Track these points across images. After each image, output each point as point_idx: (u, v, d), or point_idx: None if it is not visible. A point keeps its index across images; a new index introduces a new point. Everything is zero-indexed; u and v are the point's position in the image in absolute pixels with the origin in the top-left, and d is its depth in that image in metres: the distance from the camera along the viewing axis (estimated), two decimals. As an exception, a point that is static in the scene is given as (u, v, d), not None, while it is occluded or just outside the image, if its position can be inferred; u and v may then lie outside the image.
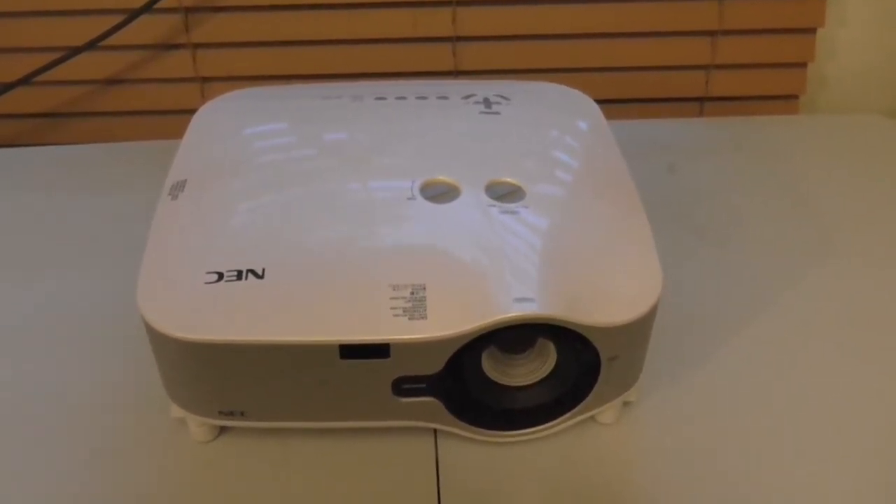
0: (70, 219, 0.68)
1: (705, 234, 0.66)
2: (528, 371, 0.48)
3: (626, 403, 0.51)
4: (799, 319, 0.58)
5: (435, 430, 0.50)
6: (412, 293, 0.43)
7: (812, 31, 0.81)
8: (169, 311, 0.44)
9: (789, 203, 0.70)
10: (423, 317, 0.43)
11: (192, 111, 0.59)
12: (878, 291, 0.61)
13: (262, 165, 0.52)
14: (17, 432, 0.51)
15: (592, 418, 0.50)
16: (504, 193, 0.49)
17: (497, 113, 0.57)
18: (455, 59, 0.81)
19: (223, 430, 0.51)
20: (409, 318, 0.42)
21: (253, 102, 0.60)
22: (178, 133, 0.57)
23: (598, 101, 0.61)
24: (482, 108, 0.58)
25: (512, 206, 0.48)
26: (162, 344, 0.44)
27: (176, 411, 0.49)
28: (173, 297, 0.44)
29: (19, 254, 0.65)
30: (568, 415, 0.49)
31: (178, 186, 0.50)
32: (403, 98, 0.59)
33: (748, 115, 0.83)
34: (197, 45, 0.79)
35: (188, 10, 0.78)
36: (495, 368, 0.47)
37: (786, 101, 0.85)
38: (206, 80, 0.81)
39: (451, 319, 0.43)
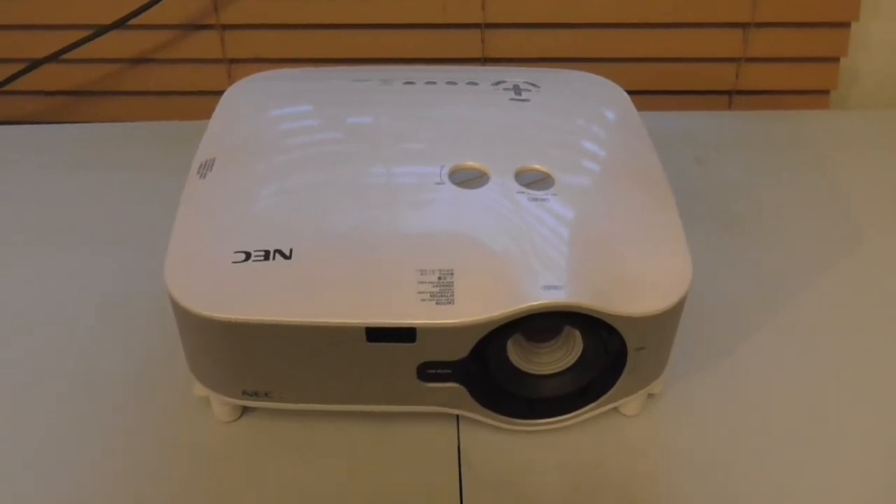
0: (96, 197, 0.68)
1: (732, 227, 0.65)
2: (554, 360, 0.47)
3: (650, 395, 0.50)
4: (826, 313, 0.58)
5: (458, 417, 0.50)
6: (440, 278, 0.43)
7: (846, 25, 0.79)
8: (196, 289, 0.44)
9: (817, 197, 0.69)
10: (451, 302, 0.42)
11: (219, 93, 0.59)
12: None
13: (292, 147, 0.52)
14: (40, 408, 0.51)
15: (616, 409, 0.50)
16: (533, 181, 0.49)
17: (527, 100, 0.57)
18: (484, 46, 0.80)
19: (246, 410, 0.51)
20: (437, 303, 0.42)
21: (283, 83, 0.60)
22: (204, 114, 0.57)
23: (627, 92, 0.60)
24: (512, 94, 0.57)
25: (541, 193, 0.48)
26: (188, 322, 0.44)
27: (200, 390, 0.49)
28: (201, 275, 0.44)
29: (45, 231, 0.65)
30: (592, 405, 0.48)
31: (207, 165, 0.50)
32: (433, 83, 0.59)
33: (778, 108, 0.82)
34: (225, 27, 0.79)
35: (217, -9, 0.78)
36: (521, 356, 0.47)
37: (817, 95, 0.84)
38: (233, 61, 0.81)
39: (478, 305, 0.42)
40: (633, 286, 0.44)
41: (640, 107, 0.59)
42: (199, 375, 0.48)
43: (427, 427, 0.50)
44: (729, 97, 0.84)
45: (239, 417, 0.50)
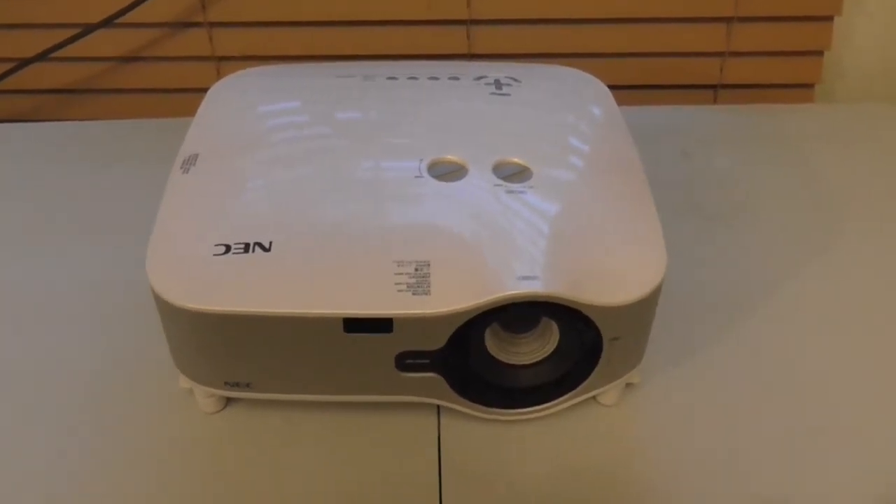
0: (83, 193, 0.69)
1: (717, 220, 0.66)
2: (531, 350, 0.48)
3: (628, 385, 0.51)
4: (805, 306, 0.58)
5: (438, 407, 0.51)
6: (416, 269, 0.44)
7: (829, 18, 0.80)
8: (177, 281, 0.44)
9: (801, 191, 0.69)
10: (427, 293, 0.43)
11: (207, 90, 0.60)
12: (886, 280, 0.61)
13: (273, 142, 0.53)
14: (25, 401, 0.52)
15: (594, 399, 0.51)
16: (511, 174, 0.49)
17: (507, 94, 0.57)
18: (469, 42, 0.81)
19: (230, 401, 0.51)
20: (413, 294, 0.43)
21: (266, 80, 0.60)
22: (192, 111, 0.57)
23: (613, 87, 0.61)
24: (493, 89, 0.58)
25: (518, 185, 0.48)
26: (170, 314, 0.45)
27: (184, 382, 0.49)
28: (182, 267, 0.45)
29: (31, 226, 0.66)
30: (570, 394, 0.49)
31: (190, 160, 0.51)
32: (415, 78, 0.59)
33: (763, 102, 0.83)
34: (213, 24, 0.80)
35: (205, -11, 0.78)
36: (498, 346, 0.48)
37: (801, 89, 0.85)
38: (221, 59, 0.82)
39: (454, 296, 0.43)
40: (608, 277, 0.45)
41: (625, 102, 0.59)
42: (183, 367, 0.49)
43: (407, 417, 0.50)
44: (714, 91, 0.85)
45: (223, 409, 0.51)
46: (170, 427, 0.50)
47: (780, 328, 0.57)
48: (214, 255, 0.44)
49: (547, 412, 0.49)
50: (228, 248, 0.45)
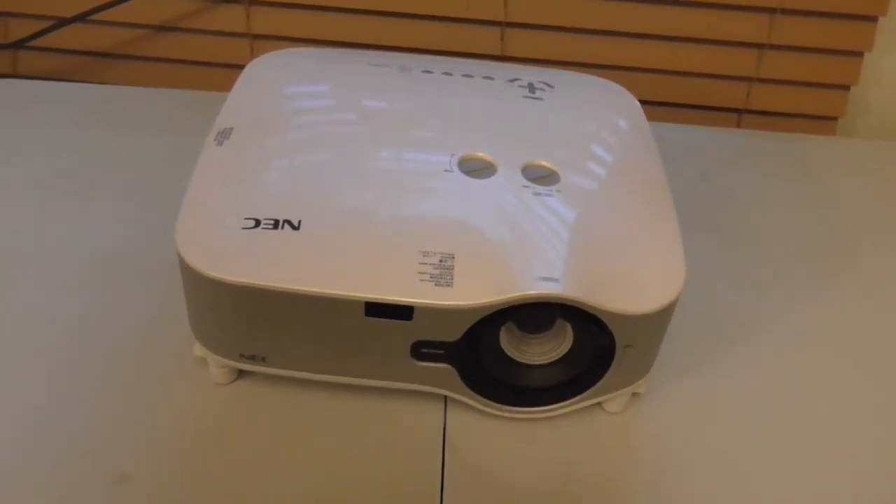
0: (109, 156, 0.70)
1: (728, 241, 0.67)
2: (544, 350, 0.49)
3: (634, 394, 0.52)
4: (811, 328, 0.59)
5: (446, 401, 0.51)
6: (441, 261, 0.44)
7: (859, 54, 0.81)
8: (205, 250, 0.45)
9: (815, 220, 0.70)
10: (449, 284, 0.44)
11: (240, 66, 0.60)
12: (892, 309, 0.62)
13: (309, 123, 0.53)
14: (43, 354, 0.53)
15: (600, 405, 0.52)
16: (539, 176, 0.50)
17: (540, 99, 0.58)
18: (502, 44, 0.81)
19: (241, 374, 0.52)
20: (436, 284, 0.44)
21: (305, 61, 0.61)
22: (223, 86, 0.58)
23: (639, 101, 0.61)
24: (526, 92, 0.59)
25: (545, 189, 0.49)
26: (194, 282, 0.46)
27: (198, 350, 0.50)
28: (210, 237, 0.46)
29: (58, 188, 0.66)
30: (577, 398, 0.50)
31: (225, 133, 0.52)
32: (450, 74, 0.60)
33: (785, 131, 0.84)
34: (252, 2, 0.81)
35: (247, -33, 0.79)
36: (512, 344, 0.48)
37: (824, 121, 0.85)
38: (256, 37, 0.82)
39: (475, 290, 0.44)
40: (627, 285, 0.45)
41: (651, 117, 0.60)
42: (200, 336, 0.50)
43: (415, 407, 0.51)
44: (738, 115, 0.86)
45: (234, 381, 0.52)
46: (178, 394, 0.51)
47: (785, 349, 0.58)
48: (243, 227, 0.45)
49: (553, 413, 0.50)
50: (258, 222, 0.45)
